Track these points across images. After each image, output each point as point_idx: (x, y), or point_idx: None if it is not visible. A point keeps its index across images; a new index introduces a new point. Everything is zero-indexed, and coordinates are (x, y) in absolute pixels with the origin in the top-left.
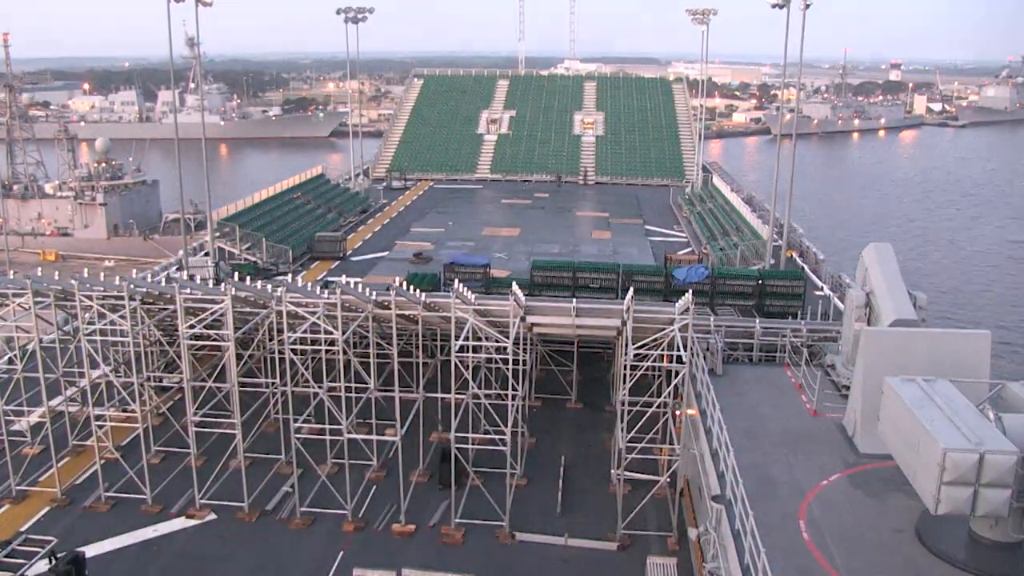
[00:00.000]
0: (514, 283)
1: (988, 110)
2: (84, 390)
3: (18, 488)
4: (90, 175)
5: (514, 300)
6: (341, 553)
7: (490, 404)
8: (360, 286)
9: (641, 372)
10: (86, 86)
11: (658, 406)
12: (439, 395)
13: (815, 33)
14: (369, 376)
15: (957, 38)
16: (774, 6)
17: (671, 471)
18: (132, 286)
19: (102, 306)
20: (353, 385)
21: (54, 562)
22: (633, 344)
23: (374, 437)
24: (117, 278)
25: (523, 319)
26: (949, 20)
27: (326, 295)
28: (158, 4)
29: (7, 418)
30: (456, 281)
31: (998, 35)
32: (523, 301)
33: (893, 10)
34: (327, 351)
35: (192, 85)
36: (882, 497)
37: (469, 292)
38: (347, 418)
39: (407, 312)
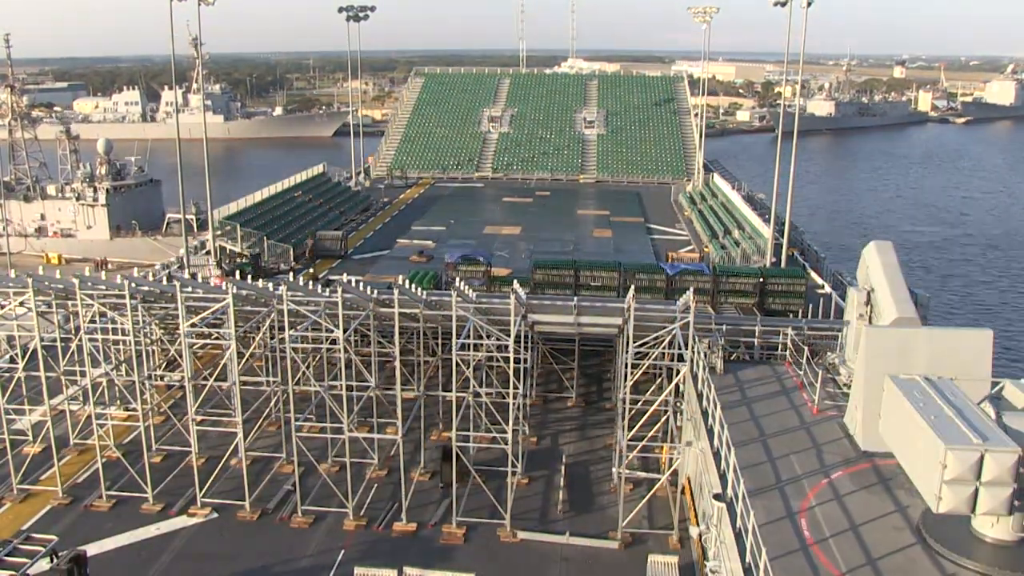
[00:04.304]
0: (515, 281)
1: (992, 106)
2: (85, 389)
3: (19, 487)
4: (92, 176)
5: (515, 298)
6: (342, 552)
7: (491, 402)
8: (361, 284)
9: (642, 370)
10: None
11: (659, 404)
12: (440, 393)
13: (819, 30)
14: (370, 374)
15: (964, 34)
16: (776, 3)
17: (672, 469)
18: (133, 285)
19: (103, 304)
20: (354, 383)
21: (55, 561)
22: (634, 342)
23: (375, 436)
24: (118, 276)
25: (524, 317)
26: (956, 17)
27: (327, 293)
28: (161, 3)
29: (8, 417)
30: (457, 279)
31: (1005, 31)
32: (524, 299)
33: (899, 6)
34: (328, 349)
35: (195, 85)
36: (883, 495)
37: (470, 290)
38: (348, 417)
39: (408, 310)
